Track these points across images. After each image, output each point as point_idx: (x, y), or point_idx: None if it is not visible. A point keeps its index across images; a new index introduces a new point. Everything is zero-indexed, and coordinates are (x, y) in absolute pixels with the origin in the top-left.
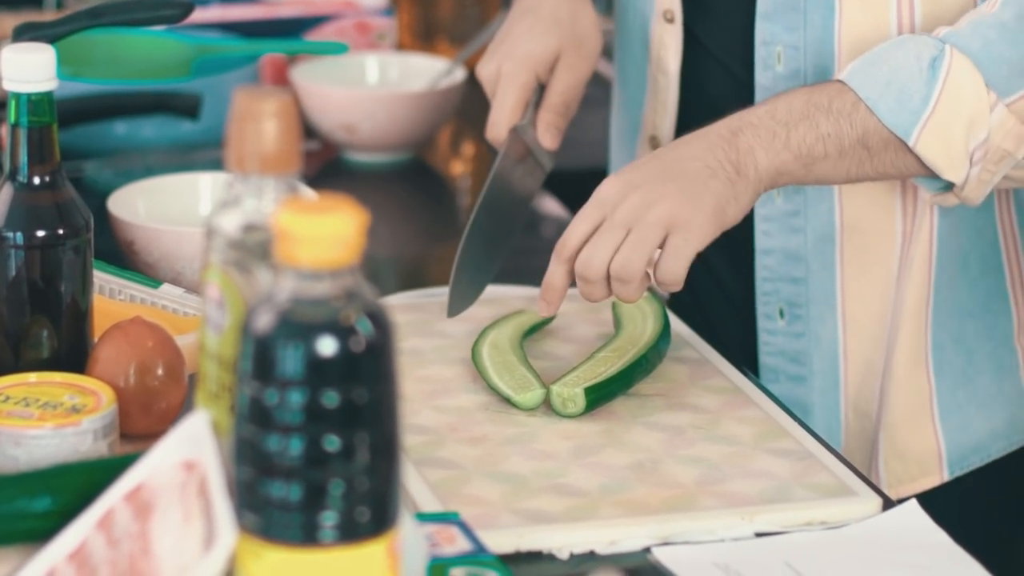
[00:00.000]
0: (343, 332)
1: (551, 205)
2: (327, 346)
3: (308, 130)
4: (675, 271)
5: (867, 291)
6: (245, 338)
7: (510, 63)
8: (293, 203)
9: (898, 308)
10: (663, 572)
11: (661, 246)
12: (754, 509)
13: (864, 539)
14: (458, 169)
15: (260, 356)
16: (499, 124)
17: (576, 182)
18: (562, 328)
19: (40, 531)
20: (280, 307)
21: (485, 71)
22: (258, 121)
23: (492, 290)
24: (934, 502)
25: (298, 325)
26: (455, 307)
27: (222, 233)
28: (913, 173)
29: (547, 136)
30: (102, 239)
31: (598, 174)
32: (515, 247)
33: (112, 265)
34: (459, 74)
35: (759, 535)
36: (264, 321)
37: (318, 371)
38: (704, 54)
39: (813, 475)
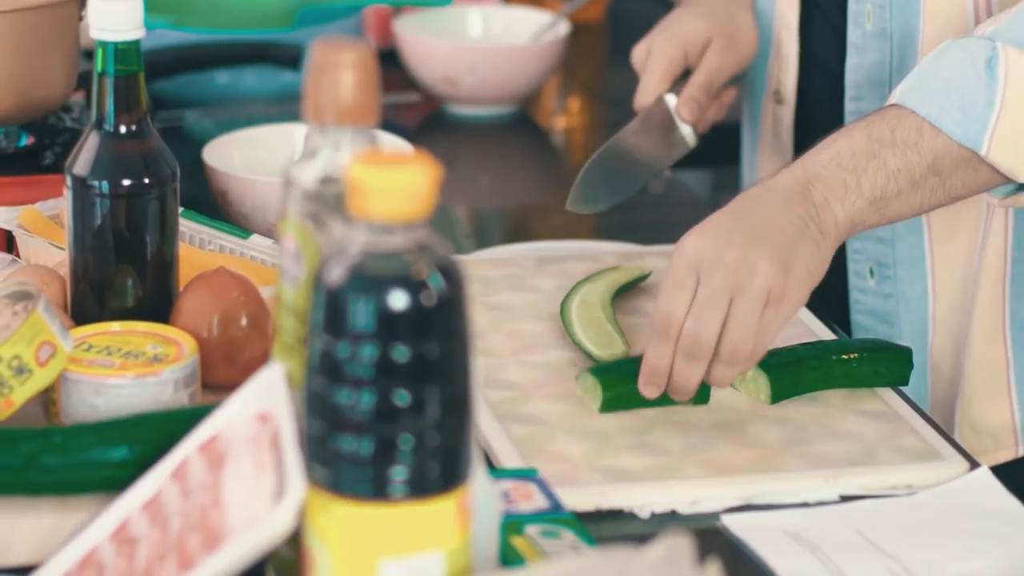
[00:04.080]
0: (414, 286)
1: None
2: (398, 300)
3: (409, 82)
4: (765, 345)
5: (953, 256)
6: (316, 291)
7: (661, 38)
8: (365, 155)
9: (976, 279)
10: (734, 540)
11: None
12: (838, 471)
13: (936, 507)
14: (561, 124)
15: (331, 309)
16: (647, 91)
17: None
18: (656, 284)
19: (116, 480)
20: (351, 260)
21: (637, 50)
22: (336, 72)
23: (588, 245)
24: (1008, 475)
25: (369, 279)
26: (575, 202)
27: (299, 185)
28: (985, 187)
29: (685, 108)
30: (198, 188)
31: (729, 129)
32: (624, 202)
33: (205, 216)
34: (563, 27)
35: (844, 498)
36: (335, 274)
37: (389, 325)
38: (815, 9)
39: (901, 438)
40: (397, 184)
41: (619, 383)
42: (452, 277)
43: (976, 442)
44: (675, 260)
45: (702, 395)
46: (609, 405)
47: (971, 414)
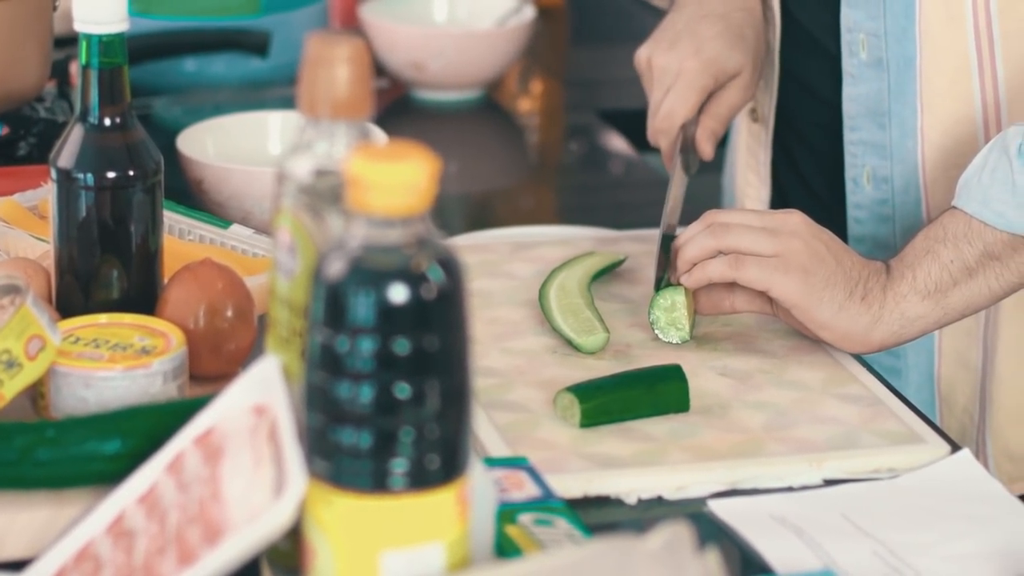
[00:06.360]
0: (414, 279)
1: (617, 142)
2: (398, 293)
3: (377, 68)
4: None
5: None
6: (316, 285)
7: (696, 62)
8: (364, 149)
9: (996, 307)
10: (720, 524)
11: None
12: (822, 455)
13: (919, 490)
14: (527, 107)
15: (331, 303)
16: (676, 116)
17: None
18: (632, 270)
19: (110, 473)
20: (351, 254)
21: (663, 59)
22: (330, 66)
23: (563, 231)
24: None
25: (369, 272)
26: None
27: (293, 178)
28: None
29: (707, 144)
30: (171, 177)
31: None
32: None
33: (181, 204)
34: (528, 12)
35: (828, 482)
36: (335, 268)
37: (389, 318)
38: (800, 32)
39: (881, 421)
40: (397, 179)
41: (596, 395)
42: (451, 270)
43: (1013, 469)
44: (785, 229)
45: (682, 403)
46: (589, 417)
47: (1006, 443)
